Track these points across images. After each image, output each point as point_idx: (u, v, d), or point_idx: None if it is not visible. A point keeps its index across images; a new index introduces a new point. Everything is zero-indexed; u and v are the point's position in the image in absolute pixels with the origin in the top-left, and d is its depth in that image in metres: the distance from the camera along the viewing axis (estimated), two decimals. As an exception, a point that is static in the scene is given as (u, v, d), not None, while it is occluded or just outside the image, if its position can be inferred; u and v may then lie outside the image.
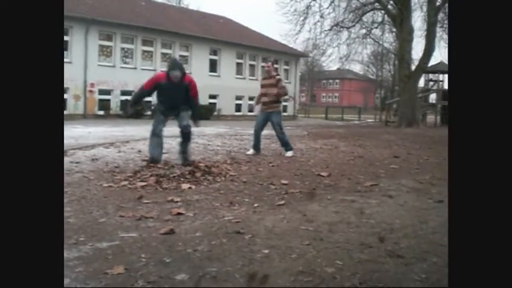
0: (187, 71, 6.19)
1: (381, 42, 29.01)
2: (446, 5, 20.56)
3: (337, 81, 72.97)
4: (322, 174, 5.66)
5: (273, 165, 6.39)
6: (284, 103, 32.21)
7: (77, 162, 6.19)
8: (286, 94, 7.93)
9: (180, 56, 25.39)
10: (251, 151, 7.81)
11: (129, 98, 22.63)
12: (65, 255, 2.58)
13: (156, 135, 5.96)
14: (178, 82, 5.78)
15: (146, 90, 6.04)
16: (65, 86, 20.92)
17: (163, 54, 24.78)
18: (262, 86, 8.00)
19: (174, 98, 5.89)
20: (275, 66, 8.27)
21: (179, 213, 3.57)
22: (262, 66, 8.34)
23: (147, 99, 23.72)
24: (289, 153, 7.72)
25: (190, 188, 4.57)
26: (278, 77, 7.97)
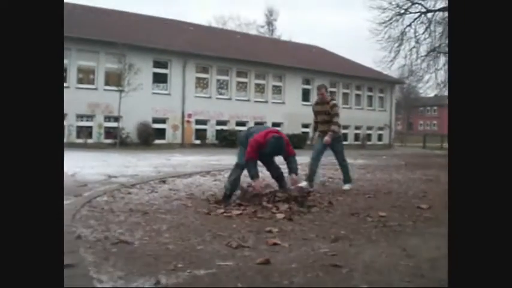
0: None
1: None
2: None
3: (435, 108, 70.05)
4: (422, 206, 5.38)
5: (369, 196, 6.20)
6: (379, 131, 31.47)
7: (176, 190, 6.43)
8: (338, 125, 7.12)
9: (274, 86, 25.84)
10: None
11: (224, 128, 23.37)
12: (164, 280, 2.64)
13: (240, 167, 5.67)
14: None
15: (254, 160, 5.48)
16: (165, 116, 22.06)
17: (257, 85, 25.36)
18: (317, 113, 7.35)
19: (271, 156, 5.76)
20: (329, 90, 7.26)
21: (275, 244, 3.54)
22: (320, 90, 7.44)
23: (237, 128, 23.89)
24: (347, 186, 7.01)
25: (284, 218, 4.55)
26: (333, 102, 7.29)
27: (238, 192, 5.56)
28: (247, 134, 5.73)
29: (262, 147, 5.35)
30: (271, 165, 5.84)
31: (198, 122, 23.14)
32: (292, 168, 5.61)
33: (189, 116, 22.68)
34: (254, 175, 5.43)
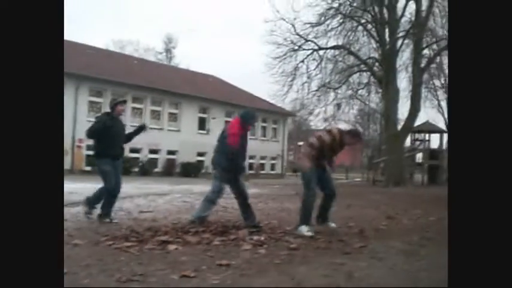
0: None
1: (367, 103, 29.66)
2: (431, 66, 21.24)
3: (325, 139, 73.45)
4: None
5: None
6: (272, 161, 32.37)
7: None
8: None
9: (170, 113, 25.65)
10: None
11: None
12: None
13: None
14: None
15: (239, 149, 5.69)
16: (53, 141, 20.88)
17: (153, 111, 25.02)
18: None
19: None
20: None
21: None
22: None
23: (130, 155, 22.89)
24: None
25: (171, 247, 4.48)
26: None
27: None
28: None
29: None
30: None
31: (89, 147, 22.16)
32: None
33: (80, 141, 21.66)
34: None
